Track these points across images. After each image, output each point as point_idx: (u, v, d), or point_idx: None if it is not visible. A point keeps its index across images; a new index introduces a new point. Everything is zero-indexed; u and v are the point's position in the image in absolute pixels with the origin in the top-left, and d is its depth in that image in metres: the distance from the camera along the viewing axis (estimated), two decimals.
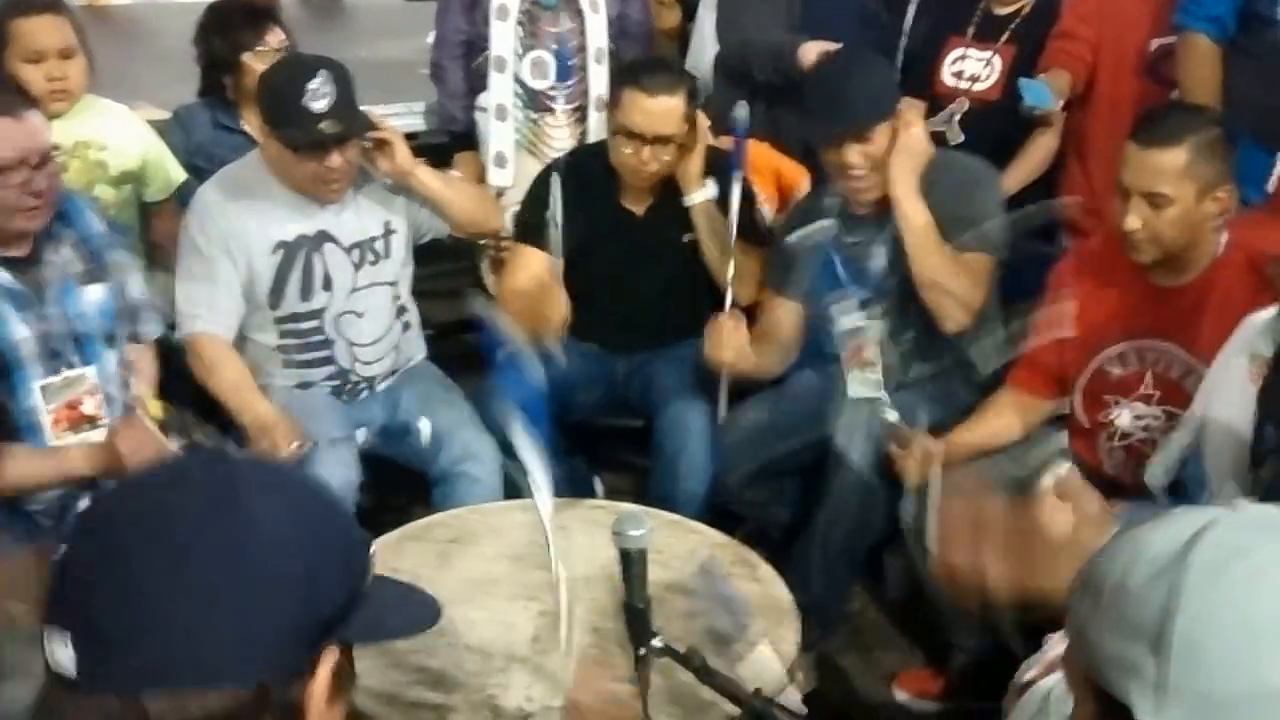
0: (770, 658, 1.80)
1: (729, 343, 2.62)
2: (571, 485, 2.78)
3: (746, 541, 2.30)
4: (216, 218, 2.58)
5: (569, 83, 3.30)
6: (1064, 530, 1.90)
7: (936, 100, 3.17)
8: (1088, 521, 1.92)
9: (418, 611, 1.02)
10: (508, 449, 2.64)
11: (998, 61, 3.16)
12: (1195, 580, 0.93)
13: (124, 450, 2.20)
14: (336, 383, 2.73)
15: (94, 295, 2.33)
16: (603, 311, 2.91)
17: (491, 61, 3.24)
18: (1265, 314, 2.00)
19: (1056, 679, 1.76)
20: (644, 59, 3.14)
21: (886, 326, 2.67)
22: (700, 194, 2.82)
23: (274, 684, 0.86)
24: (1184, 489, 2.13)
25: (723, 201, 2.82)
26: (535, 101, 3.30)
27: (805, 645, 2.00)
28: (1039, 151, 3.17)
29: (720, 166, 2.84)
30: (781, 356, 2.78)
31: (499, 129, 3.28)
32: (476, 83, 3.32)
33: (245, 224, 2.59)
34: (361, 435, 2.67)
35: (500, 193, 3.25)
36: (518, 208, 3.04)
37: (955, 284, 2.53)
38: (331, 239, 2.64)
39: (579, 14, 3.26)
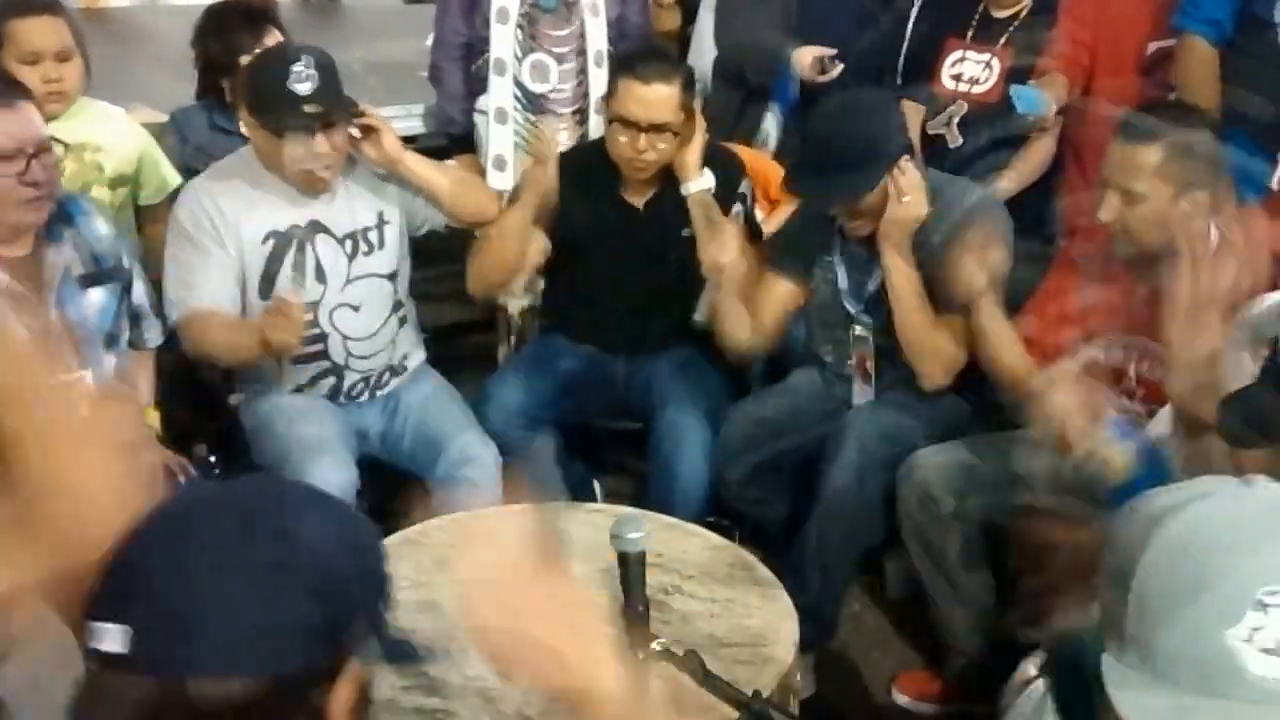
0: None
1: (730, 245, 2.59)
2: (570, 488, 2.78)
3: (745, 544, 2.30)
4: (207, 208, 2.56)
5: (568, 86, 3.31)
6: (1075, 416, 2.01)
7: (936, 102, 3.17)
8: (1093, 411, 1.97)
9: (427, 651, 1.09)
10: (504, 452, 2.67)
11: (996, 64, 3.17)
12: (1168, 535, 0.99)
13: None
14: (333, 381, 2.71)
15: (95, 298, 2.32)
16: (601, 310, 2.91)
17: (491, 64, 3.25)
18: (1272, 297, 2.00)
19: None
20: (640, 48, 3.13)
21: (881, 344, 2.66)
22: (697, 184, 2.81)
23: (302, 681, 0.94)
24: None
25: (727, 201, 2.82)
26: (535, 104, 3.30)
27: (804, 647, 2.00)
28: (1036, 154, 3.17)
29: (718, 161, 2.84)
30: (758, 333, 2.71)
31: (499, 132, 3.28)
32: (475, 85, 3.32)
33: (235, 214, 2.57)
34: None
35: (500, 196, 3.25)
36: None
37: (936, 347, 2.53)
38: (324, 229, 2.62)
39: (579, 17, 3.26)
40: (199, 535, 0.96)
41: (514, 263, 2.77)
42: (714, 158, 2.87)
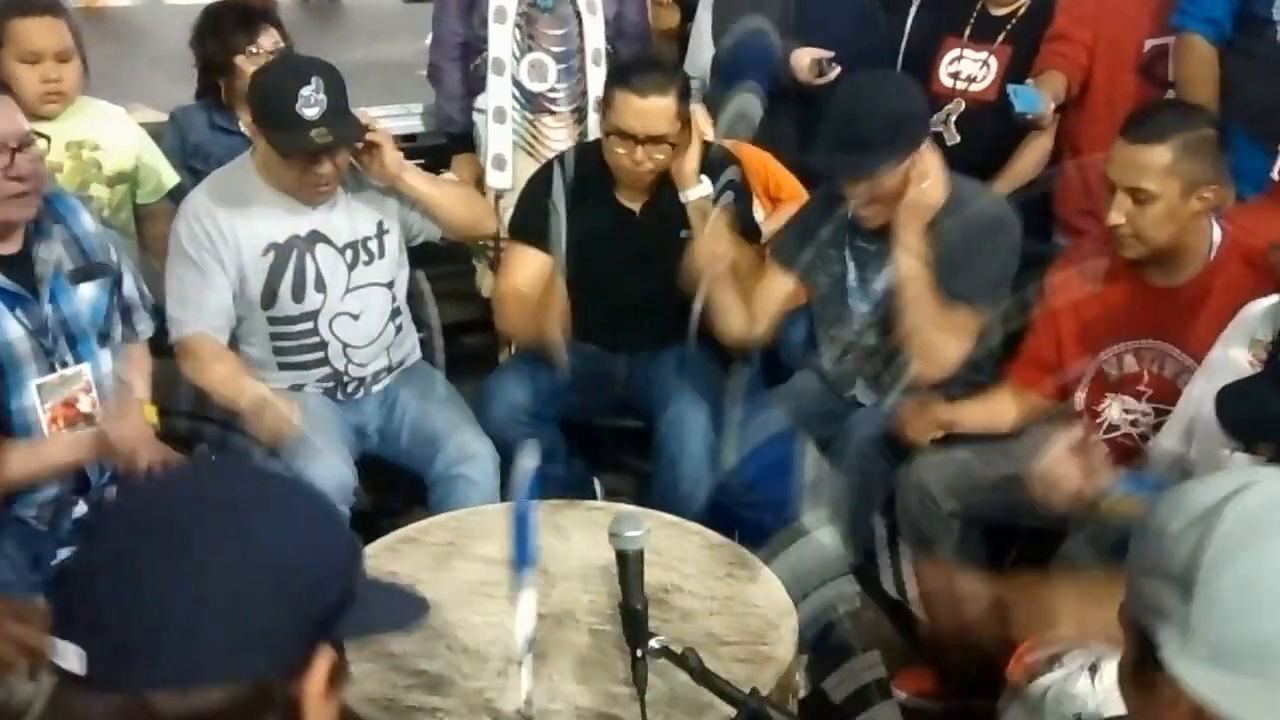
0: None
1: (720, 233, 2.59)
2: (571, 487, 2.78)
3: (744, 543, 2.30)
4: (205, 221, 2.58)
5: (567, 84, 3.31)
6: (1071, 482, 1.97)
7: (934, 101, 3.17)
8: (1092, 475, 1.97)
9: (406, 608, 1.07)
10: (504, 451, 2.67)
11: (994, 62, 3.17)
12: (1227, 530, 0.98)
13: (113, 437, 2.20)
14: (330, 384, 2.73)
15: (87, 293, 2.32)
16: (602, 311, 2.91)
17: (490, 64, 3.25)
18: (1265, 301, 2.02)
19: (1054, 677, 1.77)
20: (635, 59, 3.14)
21: (883, 344, 2.66)
22: (696, 191, 2.82)
23: (274, 680, 0.90)
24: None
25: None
26: (534, 103, 3.30)
27: (802, 646, 2.00)
28: (1034, 152, 3.17)
29: (718, 160, 2.85)
30: (755, 325, 2.71)
31: (497, 131, 3.28)
32: (474, 85, 3.32)
33: (235, 226, 2.59)
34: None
35: (499, 195, 3.26)
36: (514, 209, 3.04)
37: (938, 339, 2.52)
38: (324, 239, 2.64)
39: (576, 16, 3.27)
40: (153, 541, 0.90)
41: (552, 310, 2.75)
42: (713, 156, 2.87)
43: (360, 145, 2.61)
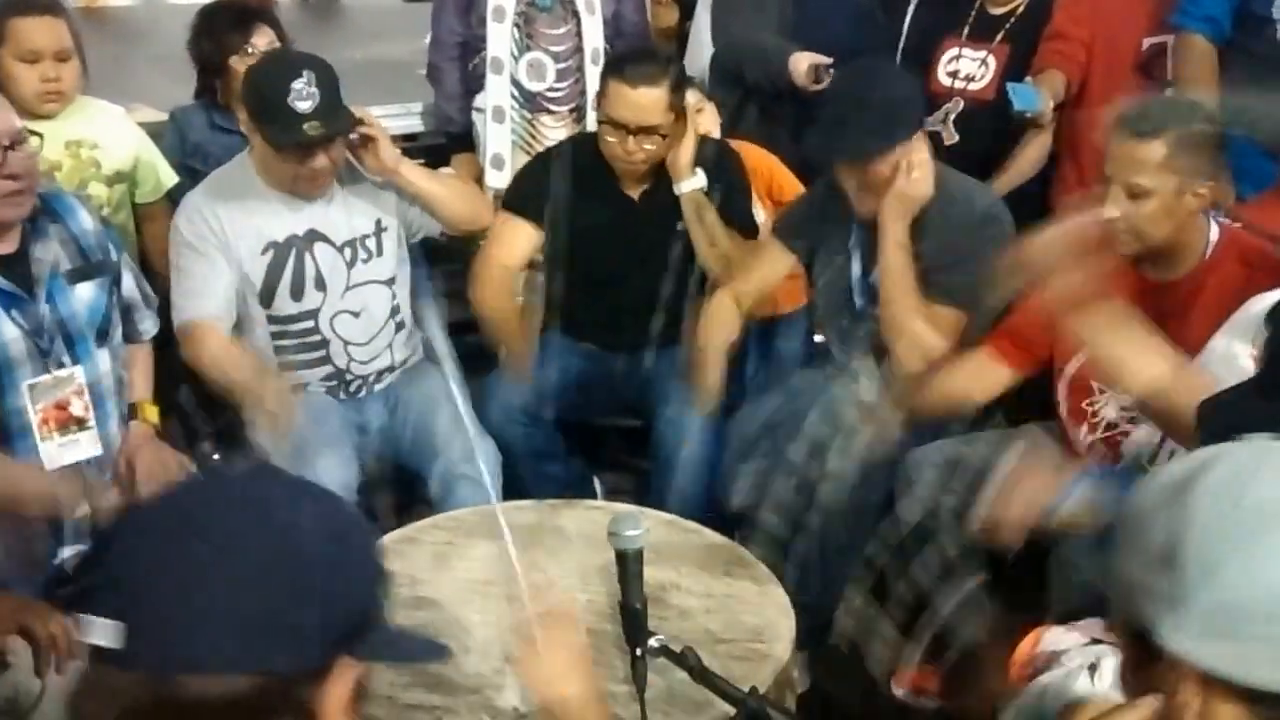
0: None
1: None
2: (570, 486, 2.79)
3: (743, 541, 2.30)
4: (207, 217, 2.59)
5: (565, 84, 3.31)
6: (1014, 517, 1.99)
7: (932, 100, 3.17)
8: (1032, 501, 1.98)
9: (428, 646, 1.11)
10: (505, 450, 2.67)
11: (992, 61, 3.17)
12: (1205, 497, 0.98)
13: (142, 473, 2.25)
14: (333, 383, 2.73)
15: (85, 293, 2.31)
16: (601, 308, 2.91)
17: (488, 63, 3.25)
18: (1270, 296, 2.00)
19: (1054, 676, 1.77)
20: (630, 50, 3.13)
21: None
22: (689, 184, 2.82)
23: (295, 680, 0.94)
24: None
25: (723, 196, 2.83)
26: (532, 103, 3.30)
27: (801, 643, 2.00)
28: (1032, 151, 3.17)
29: (713, 155, 2.85)
30: (744, 297, 2.75)
31: (496, 130, 3.28)
32: (473, 84, 3.32)
33: (234, 226, 2.59)
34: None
35: (498, 195, 3.26)
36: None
37: (916, 330, 2.51)
38: (323, 237, 2.64)
39: (575, 15, 3.27)
40: (192, 530, 0.95)
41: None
42: (713, 154, 2.87)
43: (356, 140, 2.61)
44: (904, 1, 3.33)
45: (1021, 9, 3.18)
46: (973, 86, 3.18)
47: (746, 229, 2.90)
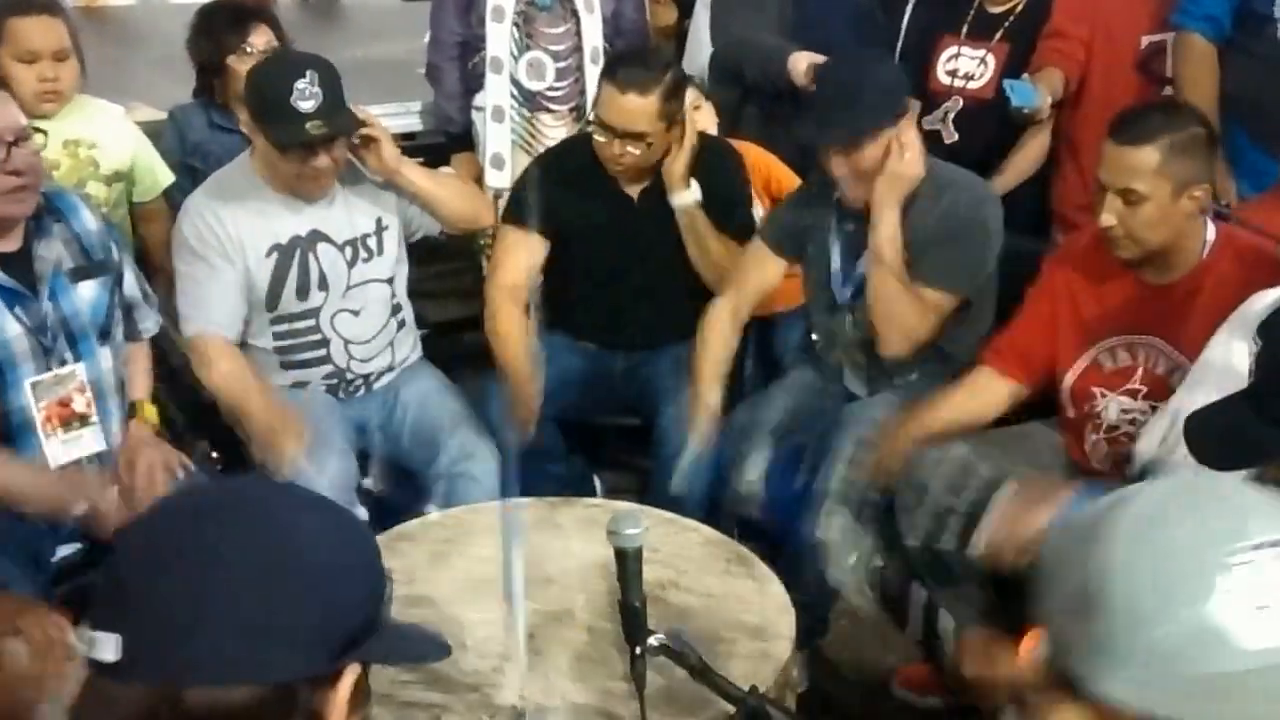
0: None
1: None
2: (570, 484, 2.78)
3: (743, 539, 2.30)
4: (211, 223, 2.59)
5: (565, 83, 3.31)
6: (1011, 540, 2.00)
7: (931, 98, 3.17)
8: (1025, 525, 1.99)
9: (428, 645, 1.10)
10: (505, 449, 2.67)
11: (991, 60, 3.17)
12: (1115, 538, 0.95)
13: (141, 472, 2.25)
14: (333, 381, 2.73)
15: (87, 291, 2.32)
16: (600, 307, 2.91)
17: (488, 63, 3.25)
18: (1270, 294, 2.00)
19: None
20: (628, 52, 3.13)
21: (867, 333, 2.66)
22: (681, 197, 2.81)
23: (302, 688, 0.93)
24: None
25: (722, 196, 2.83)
26: (532, 102, 3.31)
27: (801, 642, 2.00)
28: (1032, 149, 3.17)
29: (714, 156, 2.85)
30: (735, 300, 2.75)
31: (496, 130, 3.28)
32: (473, 83, 3.32)
33: (238, 229, 2.59)
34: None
35: (498, 194, 3.26)
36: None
37: (902, 313, 2.52)
38: (325, 237, 2.65)
39: (574, 14, 3.27)
40: (194, 539, 0.94)
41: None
42: (712, 153, 2.87)
43: (358, 140, 2.62)
44: (903, 0, 3.33)
45: (1020, 7, 3.18)
46: (972, 85, 3.18)
47: (745, 231, 2.90)
